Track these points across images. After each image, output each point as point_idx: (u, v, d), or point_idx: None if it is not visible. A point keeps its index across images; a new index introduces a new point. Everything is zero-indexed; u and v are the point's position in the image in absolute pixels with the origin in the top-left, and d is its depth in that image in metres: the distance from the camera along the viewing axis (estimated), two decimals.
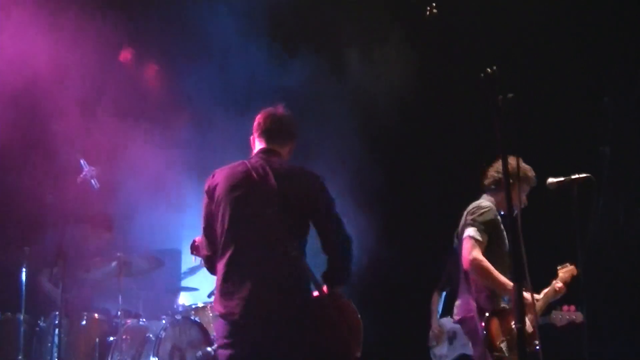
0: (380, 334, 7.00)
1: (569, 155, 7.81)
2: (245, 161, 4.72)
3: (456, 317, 6.02)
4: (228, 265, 4.52)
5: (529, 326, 5.62)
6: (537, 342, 5.57)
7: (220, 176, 4.71)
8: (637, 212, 8.21)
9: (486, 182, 6.07)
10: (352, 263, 4.65)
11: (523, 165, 5.90)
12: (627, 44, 8.43)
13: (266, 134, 4.85)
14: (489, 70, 3.81)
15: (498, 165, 5.87)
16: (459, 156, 8.92)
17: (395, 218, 9.43)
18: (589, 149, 8.02)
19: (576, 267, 5.79)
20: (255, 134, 4.93)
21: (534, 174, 5.97)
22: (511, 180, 5.31)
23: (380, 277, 9.17)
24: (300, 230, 4.58)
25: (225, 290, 4.47)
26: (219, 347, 4.52)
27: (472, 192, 6.25)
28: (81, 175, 7.28)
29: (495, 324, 5.54)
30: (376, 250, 8.82)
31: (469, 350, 7.13)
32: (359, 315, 4.76)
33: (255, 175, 4.56)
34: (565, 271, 6.02)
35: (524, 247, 5.28)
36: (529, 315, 5.63)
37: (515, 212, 4.45)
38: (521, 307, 3.94)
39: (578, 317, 5.98)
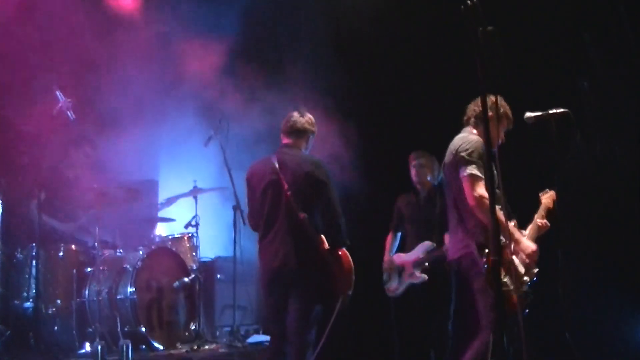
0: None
1: (548, 90, 7.81)
2: (270, 156, 6.29)
3: (451, 256, 5.99)
4: (263, 230, 6.22)
5: (523, 259, 5.68)
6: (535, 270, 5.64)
7: (253, 170, 6.39)
8: (614, 146, 8.25)
9: (467, 116, 6.02)
10: (341, 228, 6.20)
11: (503, 103, 5.89)
12: None
13: (284, 132, 6.44)
14: (469, 2, 3.78)
15: (479, 100, 5.83)
16: (436, 75, 8.85)
17: (369, 127, 9.33)
18: (567, 84, 8.02)
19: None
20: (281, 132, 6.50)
21: (510, 113, 5.96)
22: (490, 113, 5.36)
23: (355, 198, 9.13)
24: (308, 206, 6.06)
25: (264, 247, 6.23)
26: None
27: (449, 113, 6.22)
28: (57, 107, 7.22)
29: None
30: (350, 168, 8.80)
31: (415, 279, 7.88)
32: (351, 262, 6.21)
33: (276, 166, 6.13)
34: (547, 197, 6.05)
35: (501, 181, 5.35)
36: (520, 252, 5.70)
37: (494, 149, 4.45)
38: (497, 239, 3.98)
39: None
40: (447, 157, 5.86)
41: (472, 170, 5.60)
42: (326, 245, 6.12)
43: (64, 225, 7.93)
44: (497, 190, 5.68)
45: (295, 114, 6.46)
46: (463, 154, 5.68)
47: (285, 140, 6.41)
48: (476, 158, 5.63)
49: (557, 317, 5.32)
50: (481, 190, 5.54)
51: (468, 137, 5.79)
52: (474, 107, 5.91)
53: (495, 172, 5.59)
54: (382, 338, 8.79)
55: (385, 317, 8.45)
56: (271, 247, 6.11)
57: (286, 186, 6.05)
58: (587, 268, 8.35)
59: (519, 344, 5.13)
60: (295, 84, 9.15)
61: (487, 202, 5.41)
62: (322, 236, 6.12)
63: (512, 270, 5.49)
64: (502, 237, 5.47)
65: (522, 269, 5.64)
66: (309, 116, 6.52)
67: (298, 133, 6.40)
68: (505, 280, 5.37)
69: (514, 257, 5.65)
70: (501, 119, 5.79)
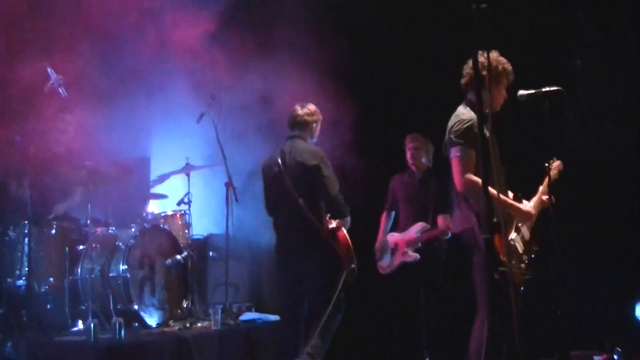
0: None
1: (541, 68, 7.79)
2: (276, 150, 7.04)
3: (453, 230, 5.98)
4: (274, 216, 7.11)
5: (525, 234, 5.68)
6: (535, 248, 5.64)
7: (264, 163, 7.15)
8: (606, 124, 8.25)
9: (463, 81, 5.94)
10: (339, 204, 6.85)
11: (498, 58, 5.81)
12: None
13: (289, 125, 7.13)
14: None
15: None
16: (434, 52, 8.82)
17: (365, 101, 9.31)
18: (561, 62, 8.01)
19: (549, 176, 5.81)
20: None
21: (510, 67, 5.85)
22: (484, 73, 5.33)
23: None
24: (308, 192, 6.77)
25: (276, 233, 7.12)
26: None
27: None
28: (48, 84, 7.18)
29: (497, 237, 5.43)
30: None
31: (408, 259, 8.10)
32: (349, 240, 6.99)
33: (279, 160, 6.90)
34: (555, 167, 6.04)
35: (497, 153, 5.34)
36: (523, 228, 5.69)
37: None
38: (490, 217, 3.98)
39: None
40: (446, 135, 5.84)
41: (458, 152, 5.58)
42: (329, 226, 6.96)
43: (59, 205, 7.93)
44: (497, 163, 5.68)
45: (297, 107, 7.12)
46: (452, 135, 5.66)
47: (290, 133, 7.09)
48: (464, 139, 5.60)
49: (549, 295, 5.32)
50: (468, 175, 5.52)
51: (461, 116, 5.74)
52: (468, 70, 5.84)
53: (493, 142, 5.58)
54: (374, 315, 8.85)
55: (377, 295, 8.52)
56: (280, 232, 7.02)
57: (286, 176, 6.80)
58: (580, 247, 8.37)
59: (509, 323, 5.17)
60: (288, 56, 9.12)
61: (477, 184, 5.41)
62: (327, 216, 6.93)
63: (511, 247, 5.50)
64: (500, 214, 5.47)
65: (521, 247, 5.65)
66: (308, 107, 7.12)
67: (300, 125, 7.06)
68: (504, 259, 5.37)
69: (514, 234, 5.65)
70: (498, 76, 5.72)
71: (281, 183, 6.87)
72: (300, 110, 7.11)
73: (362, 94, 9.05)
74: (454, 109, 5.90)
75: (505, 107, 5.94)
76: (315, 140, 7.23)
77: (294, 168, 6.85)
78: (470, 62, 5.70)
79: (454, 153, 5.60)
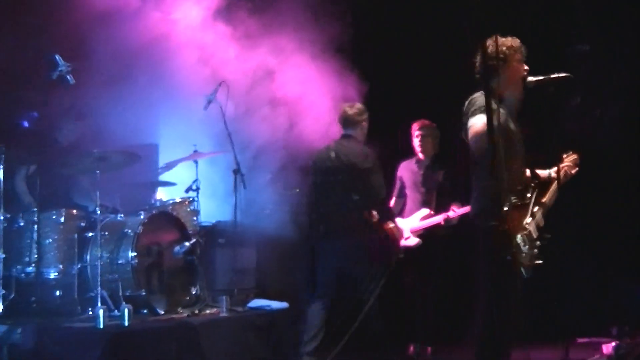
0: None
1: (548, 53, 7.76)
2: (329, 146, 7.68)
3: (470, 215, 5.95)
4: (322, 209, 7.67)
5: (539, 221, 5.66)
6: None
7: (315, 158, 7.76)
8: (613, 108, 8.23)
9: (477, 73, 5.90)
10: (384, 206, 7.65)
11: (504, 40, 5.76)
12: None
13: (341, 124, 7.72)
14: None
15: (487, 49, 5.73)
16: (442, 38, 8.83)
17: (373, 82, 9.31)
18: (567, 46, 7.99)
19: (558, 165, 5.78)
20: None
21: (518, 42, 5.78)
22: (494, 62, 5.31)
23: None
24: (357, 187, 7.40)
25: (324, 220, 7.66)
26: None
27: None
28: (56, 71, 7.19)
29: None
30: None
31: (410, 243, 8.20)
32: (396, 235, 7.70)
33: (333, 156, 7.51)
34: (571, 159, 6.02)
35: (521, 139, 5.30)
36: (538, 213, 5.66)
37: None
38: (499, 204, 3.98)
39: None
40: (463, 119, 5.80)
41: (474, 120, 5.51)
42: (375, 219, 7.50)
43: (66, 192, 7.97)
44: (517, 148, 5.65)
45: (346, 107, 7.71)
46: (466, 118, 5.64)
47: (343, 132, 7.68)
48: (478, 112, 5.56)
49: (557, 281, 5.33)
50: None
51: (473, 96, 5.71)
52: (477, 63, 5.79)
53: (512, 127, 5.55)
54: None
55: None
56: (329, 221, 7.53)
57: (340, 173, 7.43)
58: (583, 233, 8.37)
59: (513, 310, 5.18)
60: (294, 36, 9.11)
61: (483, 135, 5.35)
62: (374, 212, 7.49)
63: (524, 232, 5.49)
64: (514, 199, 5.45)
65: (535, 233, 5.63)
66: (357, 107, 7.72)
67: (353, 124, 7.64)
68: (518, 242, 5.34)
69: (529, 219, 5.63)
70: (506, 58, 5.66)
71: (334, 178, 7.49)
72: (350, 110, 7.65)
73: (368, 79, 9.04)
74: (462, 94, 5.88)
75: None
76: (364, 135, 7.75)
77: (347, 166, 7.43)
78: (478, 55, 5.69)
79: (470, 124, 5.52)
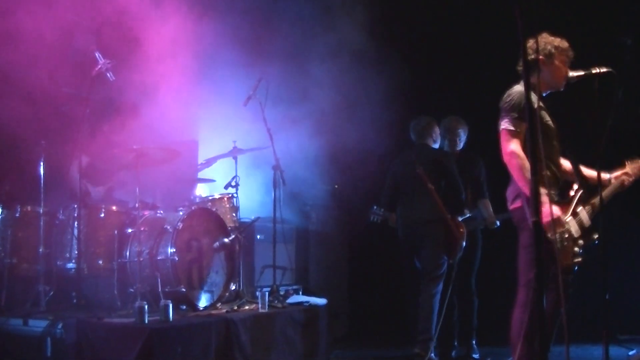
0: None
1: (590, 47, 7.68)
2: (410, 151, 8.48)
3: (509, 206, 5.93)
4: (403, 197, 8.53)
5: (584, 220, 5.60)
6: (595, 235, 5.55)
7: (396, 162, 8.60)
8: None
9: (519, 66, 5.89)
10: (460, 202, 8.34)
11: (548, 39, 5.74)
12: None
13: (416, 135, 8.55)
14: None
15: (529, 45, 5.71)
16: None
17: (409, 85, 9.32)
18: (610, 40, 7.88)
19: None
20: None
21: (566, 44, 5.78)
22: (540, 57, 5.29)
23: None
24: (437, 182, 8.18)
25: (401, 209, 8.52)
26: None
27: None
28: (97, 68, 7.24)
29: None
30: None
31: None
32: (463, 230, 8.24)
33: (415, 157, 8.28)
34: (635, 167, 5.98)
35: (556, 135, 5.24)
36: (582, 212, 5.60)
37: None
38: (537, 200, 3.92)
39: None
40: (501, 111, 5.80)
41: (506, 125, 5.56)
42: (450, 216, 8.15)
43: (95, 188, 8.03)
44: (554, 143, 5.62)
45: (417, 122, 8.58)
46: (503, 108, 5.64)
47: (419, 141, 8.51)
48: (516, 111, 5.56)
49: (597, 278, 5.25)
50: (513, 146, 5.49)
51: (514, 89, 5.71)
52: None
53: (549, 123, 5.51)
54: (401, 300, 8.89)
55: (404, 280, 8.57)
56: (406, 208, 8.40)
57: (421, 168, 8.12)
58: (629, 230, 8.27)
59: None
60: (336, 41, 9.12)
61: (519, 159, 5.38)
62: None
63: (564, 230, 5.43)
64: (553, 194, 5.39)
65: (577, 231, 5.56)
66: (425, 119, 8.54)
67: (426, 134, 8.49)
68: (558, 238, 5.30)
69: (569, 217, 5.58)
70: (551, 57, 5.66)
71: (414, 176, 8.18)
72: (421, 123, 8.53)
73: (398, 74, 9.05)
74: (492, 90, 5.89)
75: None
76: (437, 143, 8.57)
77: (430, 164, 8.24)
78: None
79: (504, 125, 5.57)
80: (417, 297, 8.09)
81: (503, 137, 5.59)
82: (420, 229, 8.23)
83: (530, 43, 4.78)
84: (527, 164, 5.35)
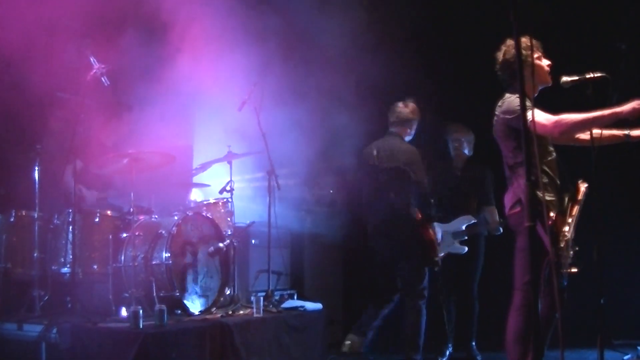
0: None
1: (584, 52, 7.70)
2: (372, 144, 7.80)
3: (507, 212, 5.92)
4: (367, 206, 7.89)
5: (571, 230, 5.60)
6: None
7: (364, 152, 7.85)
8: None
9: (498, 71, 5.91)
10: (427, 204, 7.51)
11: (509, 45, 5.77)
12: None
13: (391, 123, 7.81)
14: None
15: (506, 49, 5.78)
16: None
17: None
18: (604, 45, 7.90)
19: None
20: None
21: (529, 40, 5.72)
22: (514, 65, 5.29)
23: None
24: (399, 187, 7.48)
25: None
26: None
27: None
28: (91, 73, 7.24)
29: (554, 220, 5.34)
30: None
31: (455, 249, 8.38)
32: (432, 234, 7.58)
33: (374, 153, 7.67)
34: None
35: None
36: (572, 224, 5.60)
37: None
38: (532, 204, 3.93)
39: None
40: (494, 119, 5.80)
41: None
42: (419, 217, 7.54)
43: (89, 192, 8.03)
44: (550, 149, 5.63)
45: (400, 105, 7.78)
46: (513, 110, 5.60)
47: (390, 129, 7.81)
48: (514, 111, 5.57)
49: (592, 282, 5.26)
50: (547, 118, 5.44)
51: (511, 96, 5.71)
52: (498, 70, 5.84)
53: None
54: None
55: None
56: (372, 216, 7.75)
57: (380, 173, 7.57)
58: (625, 233, 8.28)
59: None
60: (332, 43, 9.12)
61: (565, 118, 5.34)
62: (417, 210, 7.53)
63: (563, 233, 5.44)
64: (549, 198, 5.37)
65: (572, 235, 5.57)
66: (412, 105, 7.78)
67: (402, 123, 7.75)
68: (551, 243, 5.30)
69: (570, 219, 5.58)
70: (526, 58, 5.47)
71: (375, 178, 7.64)
72: (404, 109, 7.76)
73: (405, 81, 9.04)
74: (495, 97, 5.89)
75: (550, 94, 5.89)
76: (411, 137, 7.84)
77: (389, 165, 7.58)
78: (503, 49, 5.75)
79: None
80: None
81: (537, 125, 5.31)
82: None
83: (505, 55, 4.79)
84: (574, 115, 5.39)
